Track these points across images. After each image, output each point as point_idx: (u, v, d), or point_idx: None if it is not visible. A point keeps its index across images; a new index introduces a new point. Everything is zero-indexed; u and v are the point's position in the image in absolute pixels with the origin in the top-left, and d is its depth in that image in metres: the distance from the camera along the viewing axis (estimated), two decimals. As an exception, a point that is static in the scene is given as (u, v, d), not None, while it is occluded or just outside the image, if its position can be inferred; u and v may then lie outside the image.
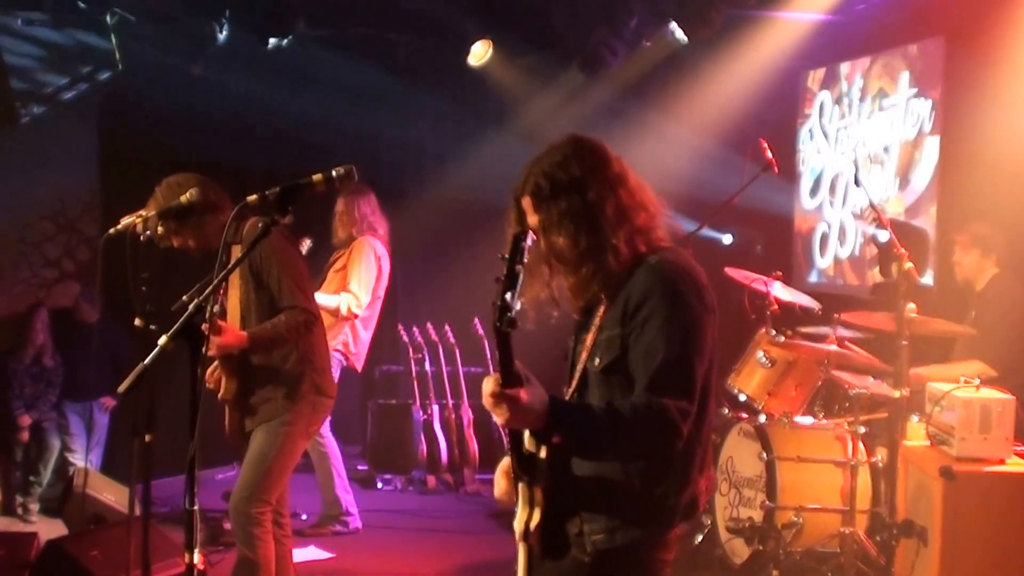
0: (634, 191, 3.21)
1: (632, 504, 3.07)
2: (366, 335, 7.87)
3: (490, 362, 9.74)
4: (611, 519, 3.08)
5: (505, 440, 9.23)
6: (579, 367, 3.19)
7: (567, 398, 3.22)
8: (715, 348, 3.09)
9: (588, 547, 3.08)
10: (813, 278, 9.43)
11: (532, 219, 3.17)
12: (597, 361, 3.11)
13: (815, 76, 9.58)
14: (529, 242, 2.85)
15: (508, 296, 2.74)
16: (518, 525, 3.13)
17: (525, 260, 2.81)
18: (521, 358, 2.81)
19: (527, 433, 3.06)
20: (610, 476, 3.07)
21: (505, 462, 3.34)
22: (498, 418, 2.85)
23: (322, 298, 7.45)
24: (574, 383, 3.20)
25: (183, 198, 5.02)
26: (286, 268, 5.00)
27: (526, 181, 3.18)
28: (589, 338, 3.17)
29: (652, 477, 3.06)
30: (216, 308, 4.84)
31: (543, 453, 3.06)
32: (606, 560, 3.09)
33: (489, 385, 2.83)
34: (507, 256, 2.80)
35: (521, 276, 2.78)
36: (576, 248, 3.11)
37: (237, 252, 5.09)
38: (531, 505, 3.10)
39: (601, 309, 3.17)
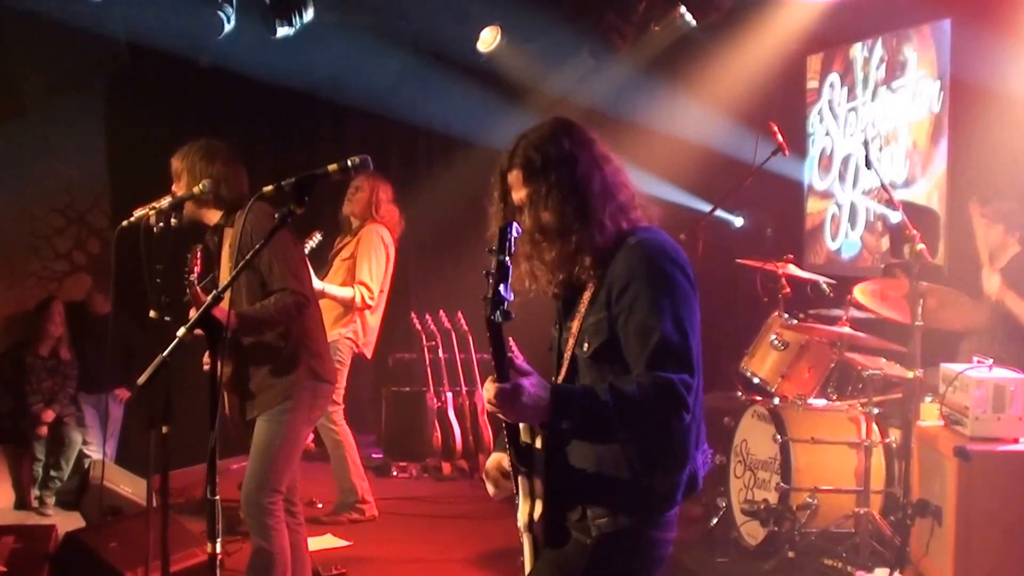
0: (617, 170, 3.24)
1: (633, 486, 3.07)
2: (374, 322, 7.87)
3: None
4: (613, 502, 3.08)
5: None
6: (567, 354, 3.19)
7: None
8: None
9: (593, 531, 3.09)
10: (824, 260, 9.42)
11: (519, 192, 3.18)
12: (585, 347, 3.11)
13: (824, 58, 9.55)
14: (515, 233, 2.87)
15: (502, 288, 2.75)
16: (521, 517, 3.15)
17: (513, 251, 2.83)
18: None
19: (522, 424, 3.07)
20: (609, 460, 3.07)
21: (491, 460, 3.35)
22: (505, 417, 2.87)
23: (335, 290, 7.49)
24: (563, 371, 3.20)
25: (196, 189, 5.06)
26: (277, 252, 4.97)
27: (514, 154, 3.20)
28: (575, 324, 3.17)
29: (652, 457, 3.06)
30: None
31: (539, 443, 3.07)
32: (609, 542, 3.09)
33: (490, 388, 2.85)
34: (495, 249, 2.81)
35: (511, 268, 2.80)
36: (562, 221, 3.12)
37: (229, 234, 5.16)
38: (532, 496, 3.11)
39: (585, 295, 3.16)
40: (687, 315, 3.02)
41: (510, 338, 9.70)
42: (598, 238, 3.10)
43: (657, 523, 3.14)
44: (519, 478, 3.14)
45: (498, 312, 2.76)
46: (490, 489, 3.38)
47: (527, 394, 2.82)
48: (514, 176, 3.20)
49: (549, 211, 3.13)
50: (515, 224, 2.91)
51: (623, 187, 3.22)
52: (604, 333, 3.06)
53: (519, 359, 2.90)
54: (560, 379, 3.21)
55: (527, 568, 3.23)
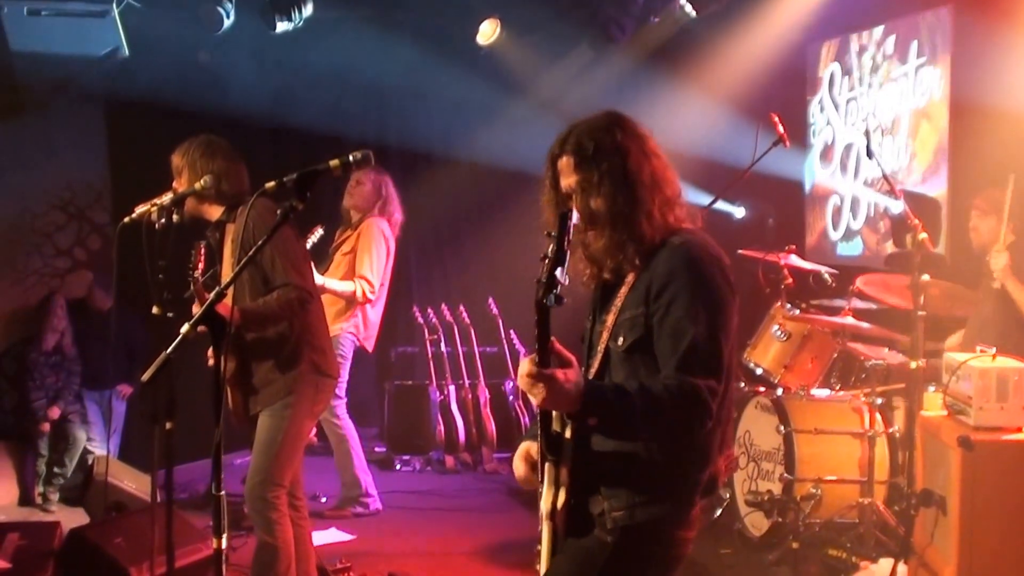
0: (666, 166, 3.26)
1: (653, 481, 3.09)
2: (375, 315, 7.88)
3: (503, 342, 9.78)
4: (632, 496, 3.10)
5: (522, 420, 9.31)
6: (600, 347, 3.20)
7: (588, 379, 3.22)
8: (737, 328, 3.11)
9: (609, 524, 3.10)
10: (826, 250, 9.41)
11: (569, 179, 3.20)
12: (620, 340, 3.12)
13: (824, 48, 9.53)
14: (575, 220, 2.88)
15: (559, 272, 2.76)
16: (544, 504, 3.15)
17: (571, 238, 2.85)
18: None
19: (555, 413, 3.07)
20: (632, 454, 3.08)
21: (523, 447, 3.35)
22: (534, 399, 2.87)
23: (336, 284, 7.49)
24: (596, 363, 3.21)
25: (197, 185, 5.07)
26: (279, 247, 4.97)
27: (566, 141, 3.21)
28: (610, 318, 3.18)
29: (674, 455, 3.08)
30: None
31: (568, 433, 3.08)
32: (627, 537, 3.11)
33: (526, 366, 2.85)
34: (555, 234, 2.83)
35: (568, 254, 2.81)
36: (613, 210, 3.14)
37: (230, 230, 5.18)
38: (557, 485, 3.11)
39: (623, 289, 3.18)
40: (722, 321, 3.05)
41: (512, 331, 9.77)
42: (646, 229, 3.13)
43: (676, 520, 3.16)
44: (546, 465, 3.14)
45: (551, 295, 2.76)
46: (517, 475, 3.39)
47: (563, 382, 2.83)
48: (565, 163, 3.21)
49: (600, 199, 3.15)
50: (575, 210, 2.94)
51: (671, 182, 3.25)
52: (640, 329, 3.08)
53: (561, 348, 2.90)
54: (593, 371, 3.22)
55: (543, 556, 3.23)
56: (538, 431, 3.13)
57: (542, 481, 3.17)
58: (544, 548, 3.22)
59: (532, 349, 2.88)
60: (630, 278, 3.18)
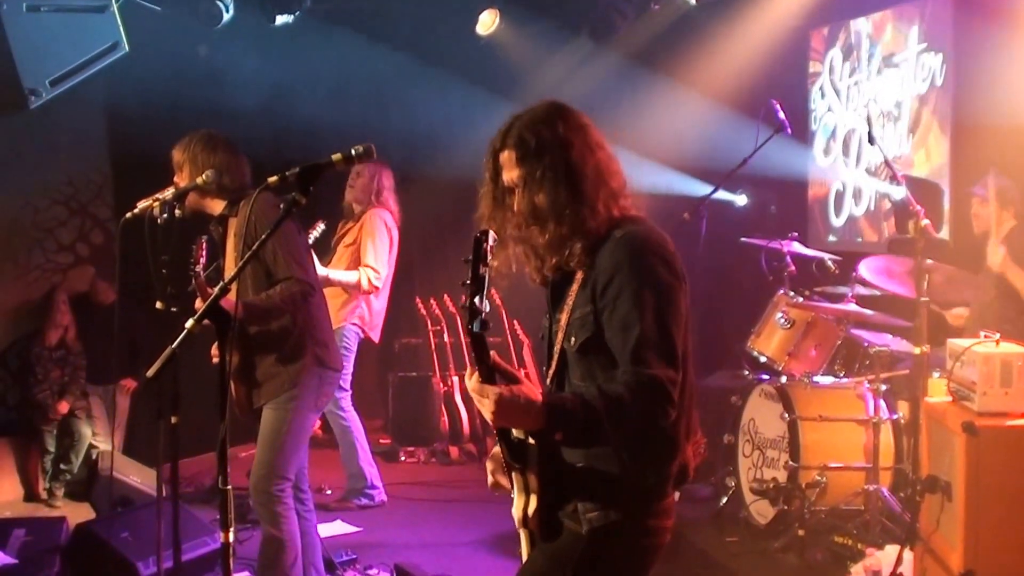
0: (610, 157, 3.23)
1: (622, 480, 3.07)
2: (379, 306, 7.87)
3: (507, 331, 9.78)
4: (604, 496, 3.09)
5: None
6: (556, 347, 3.19)
7: (548, 379, 3.23)
8: (688, 315, 3.08)
9: (584, 525, 3.10)
10: (829, 237, 9.41)
11: (512, 173, 3.16)
12: (573, 340, 3.10)
13: (824, 34, 9.52)
14: (491, 242, 2.87)
15: (476, 300, 2.75)
16: (516, 512, 3.16)
17: (489, 261, 2.84)
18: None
19: None
20: (599, 455, 3.07)
21: (495, 452, 3.33)
22: (486, 415, 2.87)
23: (340, 275, 7.48)
24: (554, 363, 3.20)
25: (199, 180, 5.08)
26: (281, 240, 4.98)
27: (508, 134, 3.18)
28: (563, 317, 3.16)
29: (639, 451, 3.05)
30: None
31: (531, 439, 3.06)
32: (602, 534, 3.10)
33: (471, 383, 2.86)
34: (471, 259, 2.82)
35: (487, 278, 2.81)
36: (556, 204, 3.10)
37: (233, 224, 5.19)
38: (527, 491, 3.10)
39: (573, 287, 3.16)
40: (670, 309, 3.01)
41: (516, 321, 9.77)
42: (591, 223, 3.10)
43: (650, 512, 3.14)
44: (512, 474, 3.14)
45: (476, 322, 2.76)
46: (489, 481, 3.38)
47: (511, 397, 2.83)
48: (506, 156, 3.17)
49: (543, 193, 3.11)
50: (491, 232, 2.91)
51: (615, 174, 3.21)
52: (590, 328, 3.06)
53: (505, 365, 2.89)
54: (551, 372, 3.22)
55: (524, 559, 3.26)
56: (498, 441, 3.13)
57: (512, 489, 3.18)
58: (525, 554, 3.27)
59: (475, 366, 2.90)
60: (579, 275, 3.15)
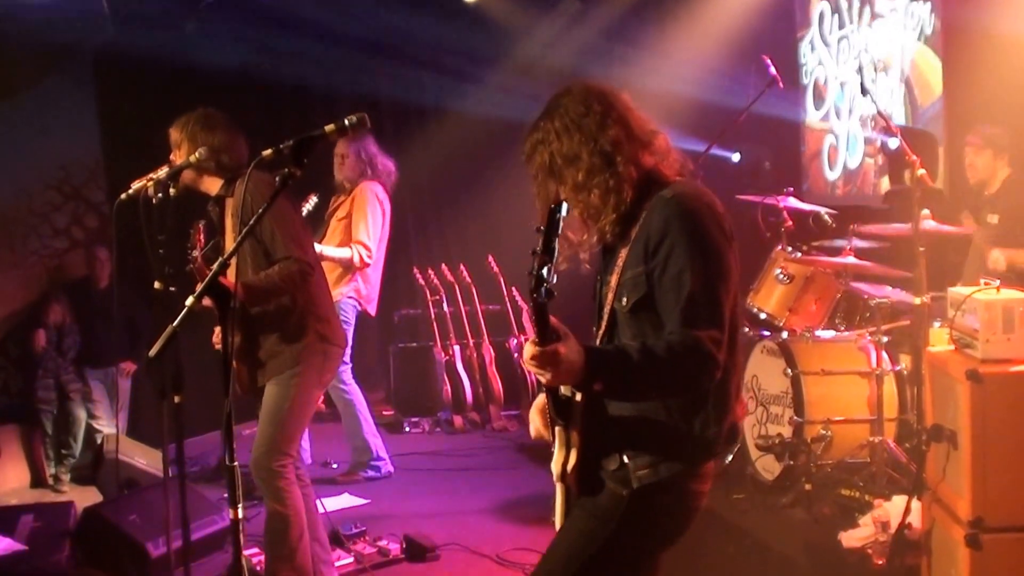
0: (644, 120, 3.24)
1: (675, 437, 3.09)
2: (375, 278, 7.87)
3: (506, 299, 9.77)
4: (655, 453, 3.09)
5: (529, 377, 9.32)
6: (606, 308, 3.20)
7: (597, 340, 3.23)
8: (738, 275, 3.10)
9: (633, 483, 3.09)
10: (824, 191, 9.39)
11: (553, 152, 3.16)
12: (624, 301, 3.11)
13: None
14: (564, 212, 2.86)
15: (546, 270, 2.74)
16: (555, 467, 3.17)
17: (560, 231, 2.82)
18: (557, 309, 2.82)
19: None
20: (650, 412, 3.08)
21: (539, 400, 3.35)
22: (542, 379, 2.87)
23: (333, 251, 7.48)
24: (604, 324, 3.21)
25: (192, 158, 5.05)
26: (279, 220, 4.96)
27: (548, 118, 3.21)
28: (613, 279, 3.17)
29: (692, 409, 3.07)
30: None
31: (579, 396, 3.07)
32: (646, 494, 3.10)
33: (529, 349, 2.84)
34: (544, 228, 2.80)
35: (558, 249, 2.79)
36: (602, 160, 3.12)
37: (230, 204, 5.17)
38: (568, 447, 3.12)
39: (623, 250, 3.16)
40: (720, 270, 3.04)
41: (514, 288, 9.74)
42: (634, 171, 3.12)
43: (695, 474, 3.15)
44: (556, 428, 3.16)
45: (542, 290, 2.75)
46: (532, 430, 3.41)
47: (565, 355, 2.81)
48: (544, 138, 3.19)
49: (587, 158, 3.12)
50: (564, 203, 2.89)
51: (654, 134, 3.23)
52: (642, 288, 3.07)
53: (557, 323, 2.89)
54: (600, 332, 3.22)
55: (557, 516, 3.27)
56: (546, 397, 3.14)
57: (553, 443, 3.19)
58: (559, 507, 3.27)
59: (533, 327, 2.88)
60: (632, 233, 3.15)
